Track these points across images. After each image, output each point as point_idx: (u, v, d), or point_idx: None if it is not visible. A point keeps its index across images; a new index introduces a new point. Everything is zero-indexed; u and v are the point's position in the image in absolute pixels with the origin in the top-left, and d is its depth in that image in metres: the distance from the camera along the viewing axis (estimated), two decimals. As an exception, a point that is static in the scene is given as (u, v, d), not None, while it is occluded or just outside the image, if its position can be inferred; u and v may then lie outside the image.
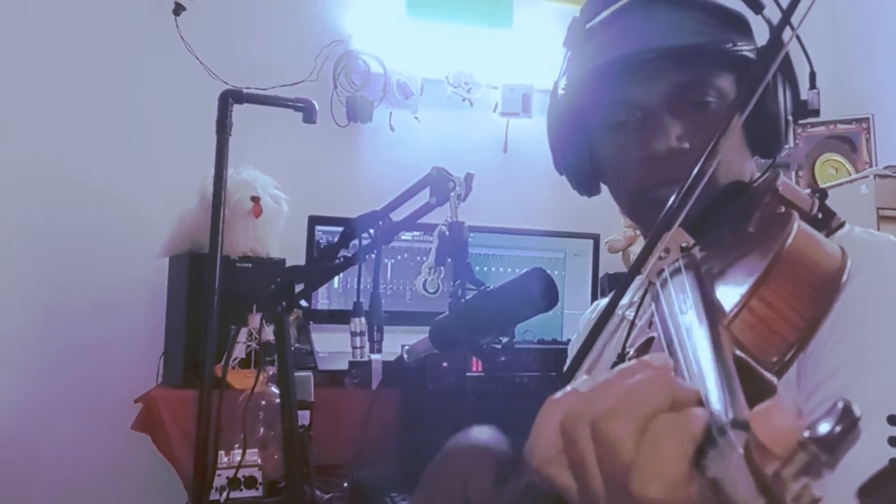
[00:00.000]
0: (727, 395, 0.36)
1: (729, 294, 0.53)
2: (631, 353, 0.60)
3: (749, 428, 0.31)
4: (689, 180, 0.56)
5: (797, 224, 0.58)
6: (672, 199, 0.57)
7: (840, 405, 0.28)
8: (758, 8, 0.78)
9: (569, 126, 0.84)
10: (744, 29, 0.77)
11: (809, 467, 0.28)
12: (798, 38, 0.77)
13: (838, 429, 0.28)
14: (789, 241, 0.56)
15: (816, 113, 0.78)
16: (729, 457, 0.31)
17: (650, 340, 0.58)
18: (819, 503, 0.27)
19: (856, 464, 0.30)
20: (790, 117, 0.77)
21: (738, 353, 0.48)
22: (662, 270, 0.55)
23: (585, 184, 0.88)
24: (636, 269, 0.56)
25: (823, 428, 0.28)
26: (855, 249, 0.60)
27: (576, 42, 0.82)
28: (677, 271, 0.54)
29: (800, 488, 0.28)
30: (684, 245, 0.58)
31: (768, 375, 0.47)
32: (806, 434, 0.29)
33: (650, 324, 0.59)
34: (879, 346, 0.58)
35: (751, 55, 0.75)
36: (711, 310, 0.46)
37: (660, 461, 0.35)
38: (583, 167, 0.86)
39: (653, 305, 0.55)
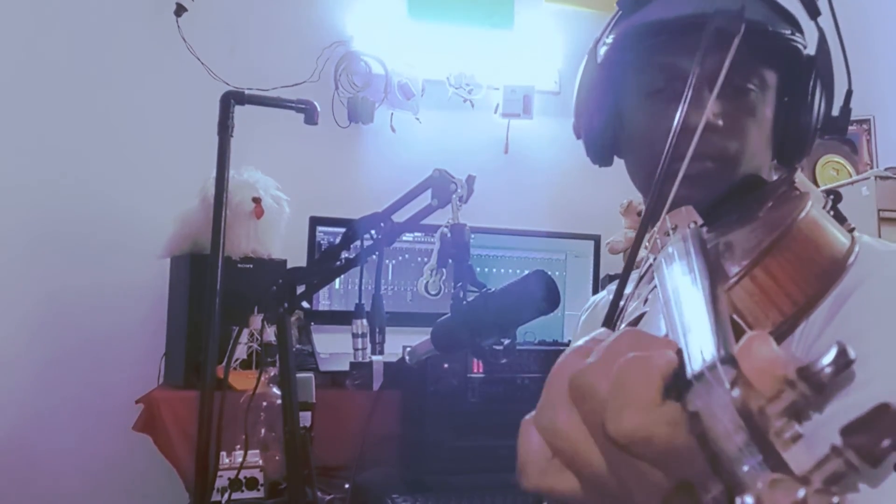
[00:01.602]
0: (719, 335, 0.36)
1: (733, 264, 0.53)
2: (623, 327, 0.60)
3: (737, 364, 0.31)
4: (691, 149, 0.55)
5: (811, 203, 0.58)
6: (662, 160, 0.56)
7: (835, 346, 0.28)
8: (814, 13, 0.77)
9: (601, 86, 0.82)
10: (797, 29, 0.77)
11: (796, 406, 0.28)
12: (845, 55, 0.77)
13: (830, 368, 0.27)
14: (802, 215, 0.56)
15: (843, 131, 0.77)
16: (715, 391, 0.31)
17: (641, 316, 0.58)
18: (800, 440, 0.27)
19: None
20: (819, 128, 0.77)
21: (734, 317, 0.48)
22: (669, 247, 0.55)
23: (601, 151, 0.85)
24: (637, 244, 0.56)
25: (816, 366, 0.28)
26: (864, 256, 0.60)
27: (630, 3, 0.80)
28: (684, 246, 0.54)
29: (783, 424, 0.28)
30: (693, 225, 0.58)
31: None
32: (796, 372, 0.28)
33: (645, 300, 0.59)
34: (884, 355, 0.57)
35: (802, 50, 0.75)
36: (713, 271, 0.46)
37: (627, 392, 0.35)
38: (605, 132, 0.83)
39: (655, 280, 0.55)
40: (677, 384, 0.34)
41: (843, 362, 0.28)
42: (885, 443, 0.25)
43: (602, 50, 0.82)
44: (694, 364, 0.34)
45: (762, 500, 0.25)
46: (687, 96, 0.56)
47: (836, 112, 0.78)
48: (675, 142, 0.69)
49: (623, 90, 0.81)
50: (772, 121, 0.77)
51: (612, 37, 0.81)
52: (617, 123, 0.82)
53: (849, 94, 0.78)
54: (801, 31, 0.77)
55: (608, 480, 0.37)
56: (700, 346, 0.36)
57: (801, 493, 0.25)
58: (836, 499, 0.24)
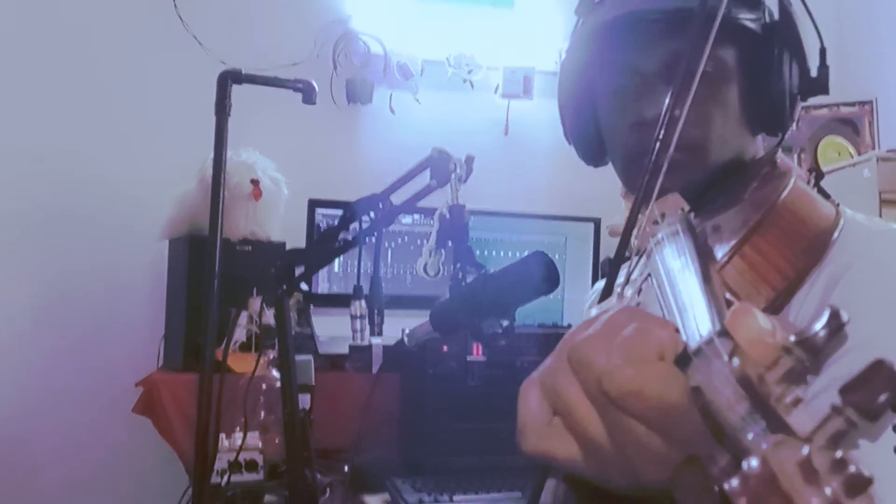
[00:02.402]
0: (714, 311, 0.37)
1: (722, 244, 0.54)
2: None
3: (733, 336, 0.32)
4: (661, 138, 0.55)
5: (793, 180, 0.58)
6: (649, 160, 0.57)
7: (828, 309, 0.28)
8: None
9: (577, 92, 0.84)
10: (753, 3, 0.75)
11: (794, 372, 0.29)
12: (809, 12, 0.76)
13: (824, 331, 0.28)
14: (784, 193, 0.57)
15: (825, 89, 0.76)
16: (714, 364, 0.32)
17: (636, 305, 0.58)
18: (801, 403, 0.28)
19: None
20: (796, 93, 0.76)
21: (727, 295, 0.48)
22: (658, 233, 0.55)
23: (591, 153, 0.87)
24: (627, 234, 0.56)
25: (810, 330, 0.29)
26: (854, 236, 0.60)
27: (585, 9, 0.81)
28: (673, 231, 0.54)
29: (783, 390, 0.28)
30: (680, 211, 0.58)
31: None
32: (792, 338, 0.29)
33: (640, 290, 0.59)
34: (874, 344, 0.57)
35: (754, 27, 0.74)
36: (703, 254, 0.46)
37: (625, 351, 0.36)
38: (588, 135, 0.85)
39: (647, 269, 0.55)
40: (678, 362, 0.34)
41: (836, 325, 0.28)
42: (882, 397, 0.25)
43: (563, 57, 0.85)
44: (692, 342, 0.35)
45: (768, 461, 0.26)
46: (674, 91, 0.57)
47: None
48: (641, 136, 0.69)
49: (594, 91, 0.83)
50: (739, 97, 0.76)
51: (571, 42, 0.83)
52: (597, 123, 0.84)
53: (822, 51, 0.76)
54: (758, 5, 0.75)
55: (608, 448, 0.37)
56: (696, 324, 0.36)
57: (806, 450, 0.25)
58: (839, 453, 0.25)
